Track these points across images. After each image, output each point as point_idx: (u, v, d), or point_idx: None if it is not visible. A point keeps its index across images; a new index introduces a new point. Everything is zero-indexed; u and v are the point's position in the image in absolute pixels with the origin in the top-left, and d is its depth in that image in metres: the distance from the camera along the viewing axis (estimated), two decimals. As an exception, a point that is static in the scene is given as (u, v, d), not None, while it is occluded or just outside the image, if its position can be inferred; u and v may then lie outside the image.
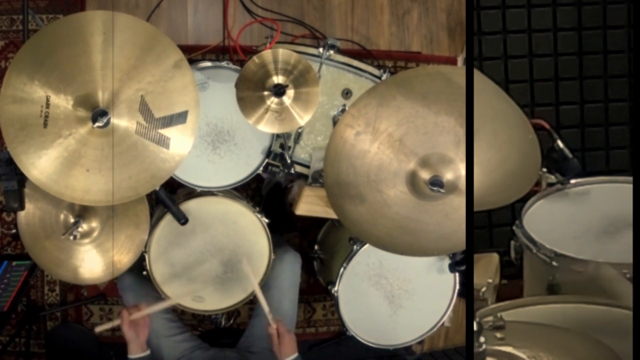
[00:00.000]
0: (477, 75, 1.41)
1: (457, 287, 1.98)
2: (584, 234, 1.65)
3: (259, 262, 1.81)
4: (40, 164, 1.35)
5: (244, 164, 1.79)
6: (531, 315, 1.37)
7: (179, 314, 2.00)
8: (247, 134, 1.77)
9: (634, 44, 2.22)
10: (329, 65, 1.73)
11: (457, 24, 2.58)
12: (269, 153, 1.78)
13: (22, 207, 1.50)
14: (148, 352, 1.57)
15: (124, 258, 1.65)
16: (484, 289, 1.75)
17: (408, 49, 2.55)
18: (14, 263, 1.95)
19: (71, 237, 1.57)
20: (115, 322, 1.54)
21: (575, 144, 2.30)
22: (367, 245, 1.88)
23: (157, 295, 1.77)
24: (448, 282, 1.97)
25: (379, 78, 1.77)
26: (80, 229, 1.59)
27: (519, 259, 1.74)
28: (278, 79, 1.55)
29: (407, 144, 1.38)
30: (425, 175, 1.38)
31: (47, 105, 1.32)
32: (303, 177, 1.84)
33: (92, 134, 1.36)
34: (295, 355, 1.57)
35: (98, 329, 1.58)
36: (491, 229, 2.35)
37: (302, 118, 1.58)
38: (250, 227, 1.80)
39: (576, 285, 1.55)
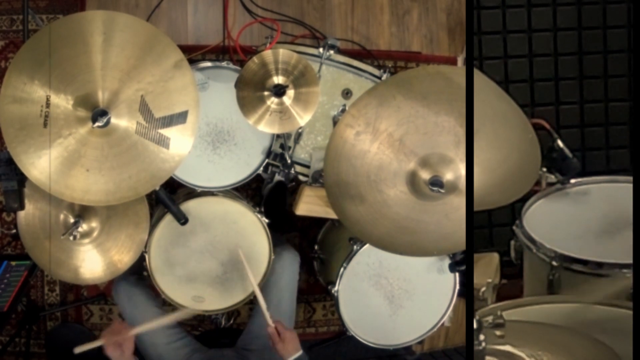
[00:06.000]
0: (477, 75, 1.41)
1: (457, 287, 1.97)
2: (584, 233, 1.65)
3: (259, 262, 1.81)
4: (40, 164, 1.35)
5: (244, 164, 1.79)
6: (531, 315, 1.37)
7: (179, 314, 2.00)
8: (247, 134, 1.77)
9: (634, 44, 2.22)
10: (329, 65, 1.73)
11: (457, 24, 2.58)
12: (269, 153, 1.78)
13: (22, 207, 1.50)
14: None
15: (125, 257, 1.65)
16: (484, 289, 1.75)
17: (408, 49, 2.55)
18: (14, 263, 1.95)
19: (71, 237, 1.56)
20: (97, 343, 1.48)
21: (575, 144, 2.30)
22: (367, 245, 1.88)
23: (152, 302, 1.77)
24: (448, 282, 1.97)
25: (379, 78, 1.77)
26: (80, 229, 1.59)
27: (519, 259, 1.74)
28: (278, 79, 1.55)
29: (407, 144, 1.38)
30: (425, 175, 1.38)
31: (47, 105, 1.32)
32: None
33: (92, 134, 1.36)
34: (300, 352, 1.56)
35: (77, 350, 1.47)
36: (491, 229, 2.35)
37: (302, 118, 1.58)
38: (250, 227, 1.80)
39: (576, 285, 1.55)
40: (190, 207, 1.73)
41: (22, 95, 1.30)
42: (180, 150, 1.43)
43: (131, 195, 1.43)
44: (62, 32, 1.32)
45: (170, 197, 1.63)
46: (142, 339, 1.67)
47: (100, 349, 1.49)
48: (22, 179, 1.43)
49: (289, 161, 1.77)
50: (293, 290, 1.89)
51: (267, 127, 1.57)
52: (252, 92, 1.55)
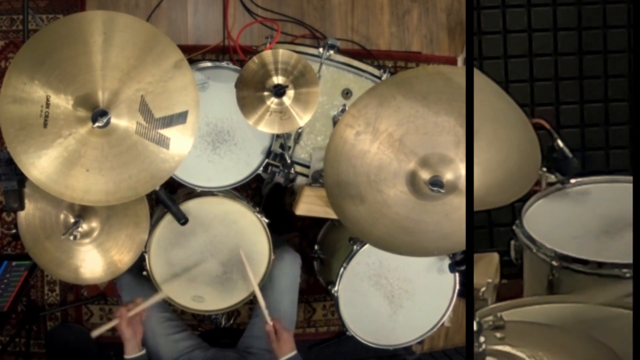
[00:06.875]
0: (477, 75, 1.41)
1: (457, 287, 1.98)
2: (584, 233, 1.65)
3: (259, 262, 1.81)
4: (40, 164, 1.35)
5: (244, 164, 1.79)
6: (531, 315, 1.37)
7: (179, 313, 2.00)
8: (247, 134, 1.77)
9: (634, 44, 2.22)
10: (329, 65, 1.73)
11: (457, 24, 2.58)
12: (269, 153, 1.78)
13: (22, 207, 1.50)
14: (144, 351, 1.56)
15: (125, 257, 1.65)
16: (484, 289, 1.75)
17: (408, 49, 2.55)
18: (14, 263, 1.95)
19: (71, 237, 1.56)
20: (113, 323, 1.53)
21: (575, 144, 2.30)
22: (367, 245, 1.88)
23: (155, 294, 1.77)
24: (448, 282, 1.97)
25: (379, 78, 1.77)
26: (80, 229, 1.59)
27: (519, 259, 1.75)
28: (278, 79, 1.55)
29: (407, 144, 1.37)
30: (425, 175, 1.38)
31: (47, 105, 1.32)
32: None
33: (92, 134, 1.36)
34: (294, 352, 1.57)
35: (95, 333, 1.55)
36: (491, 229, 2.35)
37: (302, 118, 1.58)
38: (250, 227, 1.80)
39: (576, 285, 1.55)
40: (190, 207, 1.73)
41: (22, 95, 1.30)
42: (180, 151, 1.43)
43: (131, 195, 1.43)
44: (62, 32, 1.32)
45: (170, 197, 1.63)
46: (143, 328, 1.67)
47: (100, 349, 1.49)
48: (22, 179, 1.43)
49: (288, 161, 1.77)
50: (294, 293, 1.88)
51: (267, 127, 1.57)
52: (252, 92, 1.55)
